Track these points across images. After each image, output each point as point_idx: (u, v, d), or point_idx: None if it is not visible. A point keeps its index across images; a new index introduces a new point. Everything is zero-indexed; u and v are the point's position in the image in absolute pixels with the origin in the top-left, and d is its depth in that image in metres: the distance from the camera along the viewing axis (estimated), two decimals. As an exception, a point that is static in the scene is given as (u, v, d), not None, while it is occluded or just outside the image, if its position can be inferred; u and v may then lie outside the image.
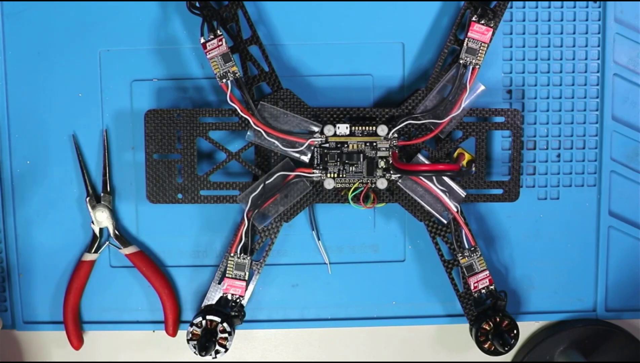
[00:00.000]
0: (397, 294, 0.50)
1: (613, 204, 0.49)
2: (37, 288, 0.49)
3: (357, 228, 0.49)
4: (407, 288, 0.50)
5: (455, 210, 0.46)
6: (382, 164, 0.45)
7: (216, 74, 0.44)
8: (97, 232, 0.48)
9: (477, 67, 0.45)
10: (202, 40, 0.43)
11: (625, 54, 0.48)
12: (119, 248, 0.48)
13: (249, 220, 0.45)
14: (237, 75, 0.44)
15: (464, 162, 0.46)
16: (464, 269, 0.46)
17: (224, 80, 0.44)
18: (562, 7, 0.48)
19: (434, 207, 0.46)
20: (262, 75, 0.45)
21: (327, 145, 0.45)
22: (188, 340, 0.45)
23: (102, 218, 0.47)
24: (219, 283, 0.47)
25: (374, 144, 0.45)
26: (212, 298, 0.47)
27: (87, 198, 0.47)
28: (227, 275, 0.46)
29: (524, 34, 0.48)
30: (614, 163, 0.49)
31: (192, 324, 0.45)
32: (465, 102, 0.45)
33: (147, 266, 0.48)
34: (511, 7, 0.47)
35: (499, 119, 0.46)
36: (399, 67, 0.48)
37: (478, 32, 0.44)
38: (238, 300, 0.46)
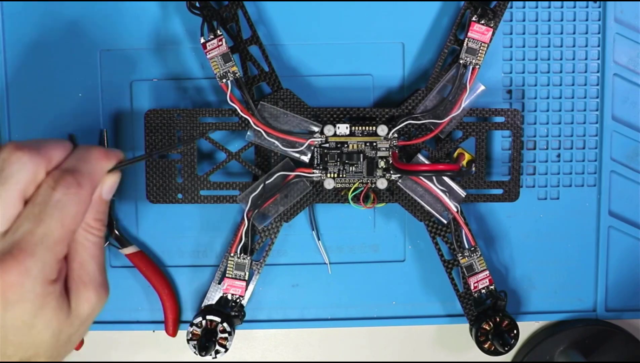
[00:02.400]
0: (397, 294, 0.50)
1: (613, 204, 0.49)
2: (37, 288, 0.49)
3: (357, 228, 0.49)
4: (407, 288, 0.50)
5: (455, 210, 0.46)
6: (382, 164, 0.45)
7: (216, 74, 0.44)
8: (97, 232, 0.48)
9: (477, 67, 0.45)
10: (202, 40, 0.43)
11: (625, 54, 0.48)
12: (119, 248, 0.48)
13: (249, 220, 0.45)
14: (237, 75, 0.44)
15: (464, 162, 0.46)
16: (464, 269, 0.46)
17: (224, 80, 0.44)
18: (562, 7, 0.48)
19: (434, 207, 0.46)
20: (262, 75, 0.45)
21: (327, 145, 0.45)
22: (188, 340, 0.45)
23: (102, 218, 0.47)
24: (219, 283, 0.47)
25: (374, 144, 0.45)
26: (212, 298, 0.47)
27: (87, 198, 0.47)
28: (227, 275, 0.46)
29: (524, 34, 0.48)
30: (614, 163, 0.49)
31: (192, 324, 0.45)
32: (465, 102, 0.45)
33: (147, 266, 0.48)
34: (511, 7, 0.47)
35: (499, 119, 0.46)
36: (399, 67, 0.48)
37: (478, 32, 0.44)
38: (238, 300, 0.46)
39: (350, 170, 0.45)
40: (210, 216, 0.48)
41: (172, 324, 0.49)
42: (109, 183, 0.36)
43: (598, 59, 0.48)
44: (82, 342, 0.49)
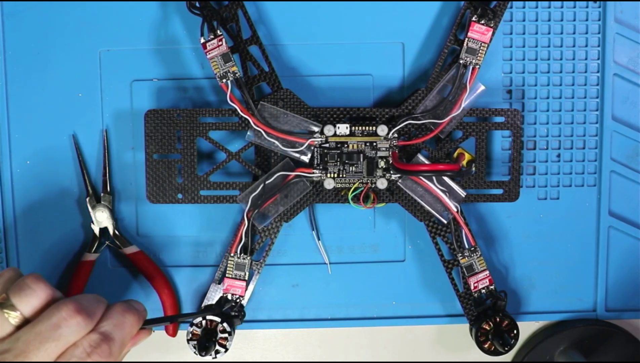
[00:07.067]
0: (397, 294, 0.50)
1: (613, 204, 0.49)
2: (37, 288, 0.49)
3: (357, 228, 0.49)
4: (407, 288, 0.50)
5: (455, 210, 0.46)
6: (382, 164, 0.45)
7: (216, 74, 0.44)
8: (97, 232, 0.48)
9: (477, 67, 0.45)
10: (202, 40, 0.43)
11: (625, 54, 0.48)
12: (119, 248, 0.48)
13: (249, 220, 0.45)
14: (237, 75, 0.44)
15: (464, 162, 0.46)
16: (464, 269, 0.46)
17: (224, 80, 0.44)
18: (562, 7, 0.48)
19: (434, 207, 0.46)
20: (262, 75, 0.45)
21: (327, 145, 0.45)
22: (188, 340, 0.45)
23: (102, 218, 0.47)
24: (219, 283, 0.47)
25: (374, 143, 0.45)
26: (212, 298, 0.47)
27: (87, 199, 0.47)
28: (227, 275, 0.46)
29: (524, 34, 0.48)
30: (614, 163, 0.49)
31: (192, 324, 0.45)
32: (465, 102, 0.45)
33: (147, 266, 0.48)
34: (511, 7, 0.47)
35: (499, 119, 0.46)
36: (399, 67, 0.48)
37: (478, 32, 0.44)
38: (238, 300, 0.46)
39: (350, 170, 0.45)
40: (210, 216, 0.48)
41: (172, 324, 0.49)
42: (139, 341, 0.40)
43: (598, 59, 0.48)
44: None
